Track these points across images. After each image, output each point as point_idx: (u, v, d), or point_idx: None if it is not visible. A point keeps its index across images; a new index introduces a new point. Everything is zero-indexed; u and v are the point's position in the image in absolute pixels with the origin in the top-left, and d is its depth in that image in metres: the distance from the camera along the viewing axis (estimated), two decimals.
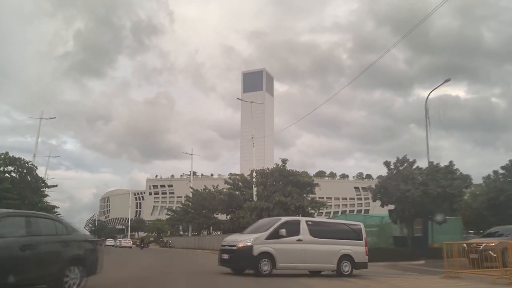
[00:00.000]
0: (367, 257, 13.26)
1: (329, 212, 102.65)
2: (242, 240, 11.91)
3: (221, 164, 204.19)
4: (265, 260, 11.45)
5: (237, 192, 34.99)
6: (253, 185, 30.77)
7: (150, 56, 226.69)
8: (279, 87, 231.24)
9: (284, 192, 28.59)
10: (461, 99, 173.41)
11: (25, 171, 32.47)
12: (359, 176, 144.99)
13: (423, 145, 21.33)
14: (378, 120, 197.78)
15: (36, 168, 33.78)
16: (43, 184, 34.73)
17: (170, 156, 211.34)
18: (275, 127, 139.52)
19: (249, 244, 11.56)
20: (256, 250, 11.43)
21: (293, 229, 12.13)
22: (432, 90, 22.53)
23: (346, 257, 12.73)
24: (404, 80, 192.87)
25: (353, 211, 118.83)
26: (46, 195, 37.01)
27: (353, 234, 13.37)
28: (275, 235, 11.80)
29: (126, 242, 56.95)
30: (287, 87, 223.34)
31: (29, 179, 33.03)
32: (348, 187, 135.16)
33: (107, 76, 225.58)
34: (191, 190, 47.44)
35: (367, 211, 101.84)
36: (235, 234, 14.61)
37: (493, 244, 12.77)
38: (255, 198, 29.81)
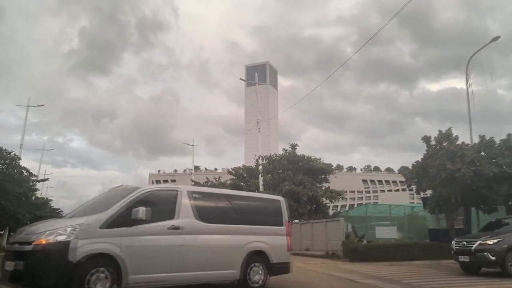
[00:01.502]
0: (289, 253, 8.30)
1: (336, 206, 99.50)
2: (49, 230, 5.80)
3: (226, 160, 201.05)
4: (99, 271, 5.77)
5: (242, 184, 31.91)
6: (259, 174, 27.50)
7: (155, 53, 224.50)
8: (283, 82, 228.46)
9: (295, 181, 25.35)
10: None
11: (7, 161, 29.56)
12: (367, 168, 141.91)
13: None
14: (383, 114, 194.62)
15: (20, 159, 31.00)
16: (31, 178, 31.94)
17: (175, 152, 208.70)
18: (279, 122, 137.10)
19: (62, 238, 5.69)
20: (79, 251, 5.66)
21: (164, 207, 6.80)
22: (477, 51, 19.01)
23: (257, 255, 7.67)
24: (410, 73, 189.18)
25: (361, 204, 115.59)
26: (36, 189, 34.39)
27: (269, 216, 8.31)
28: (124, 220, 6.20)
29: None
30: (291, 82, 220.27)
31: (15, 171, 30.28)
32: (356, 180, 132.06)
33: (113, 73, 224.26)
34: (192, 183, 44.63)
35: (375, 204, 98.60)
36: (47, 220, 7.63)
37: (492, 243, 9.39)
38: (261, 188, 26.62)
